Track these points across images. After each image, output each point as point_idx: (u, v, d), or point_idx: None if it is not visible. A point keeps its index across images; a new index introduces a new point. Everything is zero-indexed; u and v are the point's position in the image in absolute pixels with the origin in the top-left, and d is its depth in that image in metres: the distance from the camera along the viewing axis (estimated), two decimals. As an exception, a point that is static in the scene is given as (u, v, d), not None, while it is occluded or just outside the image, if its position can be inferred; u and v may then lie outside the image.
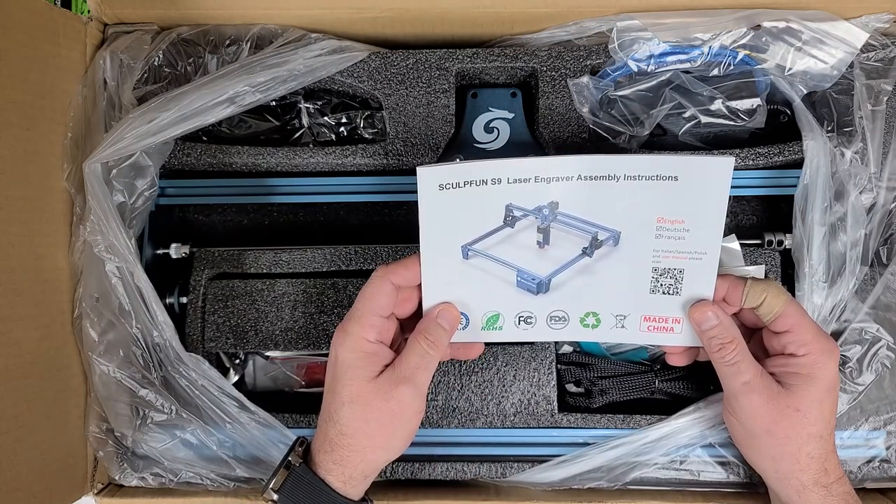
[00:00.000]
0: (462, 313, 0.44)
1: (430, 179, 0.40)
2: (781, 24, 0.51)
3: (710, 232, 0.41)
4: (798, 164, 0.51)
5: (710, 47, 0.52)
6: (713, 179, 0.39)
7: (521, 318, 0.44)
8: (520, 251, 0.43)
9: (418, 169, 0.39)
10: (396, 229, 0.61)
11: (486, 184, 0.40)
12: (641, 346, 0.55)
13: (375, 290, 0.41)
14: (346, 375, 0.40)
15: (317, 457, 0.41)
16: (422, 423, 0.52)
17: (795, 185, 0.50)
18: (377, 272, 0.41)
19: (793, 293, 0.51)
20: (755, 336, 0.46)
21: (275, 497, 0.41)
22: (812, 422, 0.41)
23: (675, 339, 0.44)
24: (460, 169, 0.40)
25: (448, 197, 0.40)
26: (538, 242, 0.42)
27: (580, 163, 0.39)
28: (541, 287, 0.43)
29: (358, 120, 0.58)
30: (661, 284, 0.42)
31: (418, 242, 0.57)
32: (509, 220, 0.42)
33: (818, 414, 0.41)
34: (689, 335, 0.44)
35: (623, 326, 0.44)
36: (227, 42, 0.55)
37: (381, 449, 0.41)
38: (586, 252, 0.42)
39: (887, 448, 0.50)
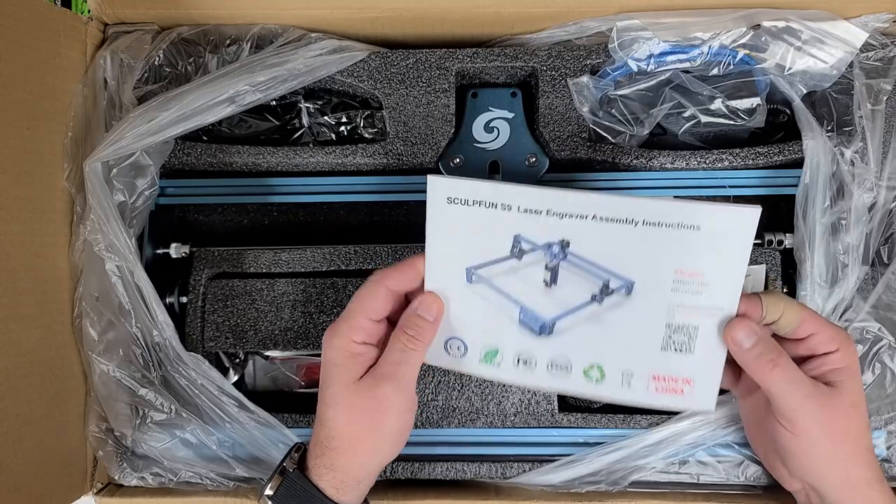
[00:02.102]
0: (461, 339, 0.42)
1: (439, 190, 0.38)
2: (781, 24, 0.51)
3: (730, 287, 0.38)
4: (798, 163, 0.51)
5: (709, 47, 0.52)
6: (737, 230, 0.36)
7: (521, 359, 0.42)
8: (525, 286, 0.40)
9: (428, 177, 0.38)
10: (396, 229, 0.61)
11: (496, 208, 0.38)
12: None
13: (368, 293, 0.41)
14: (332, 376, 0.40)
15: (310, 462, 0.41)
16: (422, 423, 0.52)
17: (795, 185, 0.50)
18: (373, 276, 0.41)
19: (794, 293, 0.51)
20: None
21: (269, 503, 0.41)
22: (864, 413, 0.40)
23: (683, 402, 0.40)
24: (470, 186, 0.38)
25: (456, 212, 0.38)
26: (545, 281, 0.40)
27: (597, 202, 0.37)
28: (544, 329, 0.40)
29: (358, 120, 0.58)
30: (674, 341, 0.39)
31: (418, 242, 0.57)
32: (516, 251, 0.39)
33: (864, 403, 0.40)
34: (698, 398, 0.40)
35: (629, 385, 0.40)
36: (228, 42, 0.56)
37: (369, 451, 0.41)
38: (596, 299, 0.39)
39: (888, 448, 0.50)
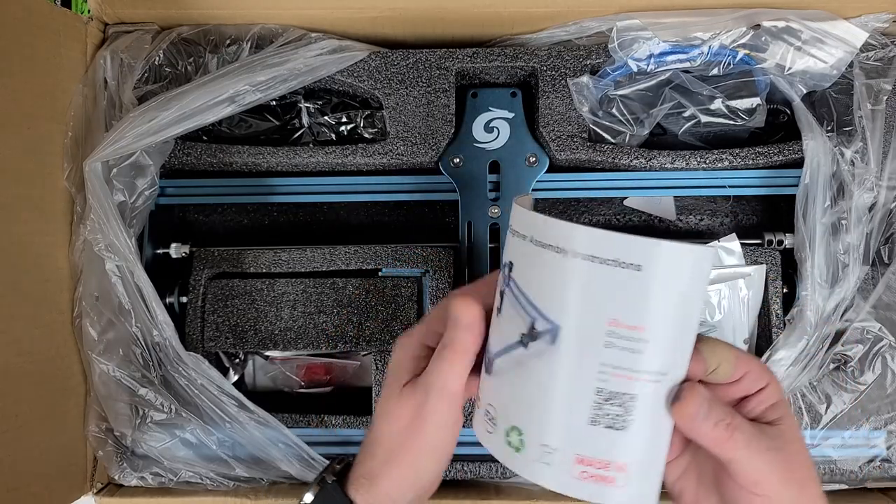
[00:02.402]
0: None
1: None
2: (781, 24, 0.51)
3: (678, 348, 0.30)
4: (798, 163, 0.51)
5: (709, 47, 0.52)
6: (688, 274, 0.29)
7: (478, 395, 0.35)
8: (494, 310, 0.34)
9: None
10: (396, 229, 0.61)
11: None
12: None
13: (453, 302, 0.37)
14: (392, 375, 0.39)
15: (353, 472, 0.39)
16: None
17: (795, 185, 0.50)
18: (455, 290, 0.38)
19: (794, 293, 0.51)
20: None
21: None
22: (804, 440, 0.37)
23: (612, 496, 0.31)
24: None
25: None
26: (497, 308, 0.33)
27: (527, 220, 0.31)
28: (487, 365, 0.34)
29: (358, 119, 0.58)
30: (606, 414, 0.30)
31: (418, 242, 0.57)
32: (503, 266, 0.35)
33: (800, 428, 0.38)
34: (634, 491, 0.31)
35: (548, 464, 0.31)
36: (228, 42, 0.56)
37: (407, 464, 0.38)
38: (523, 341, 0.32)
39: (888, 447, 0.50)
